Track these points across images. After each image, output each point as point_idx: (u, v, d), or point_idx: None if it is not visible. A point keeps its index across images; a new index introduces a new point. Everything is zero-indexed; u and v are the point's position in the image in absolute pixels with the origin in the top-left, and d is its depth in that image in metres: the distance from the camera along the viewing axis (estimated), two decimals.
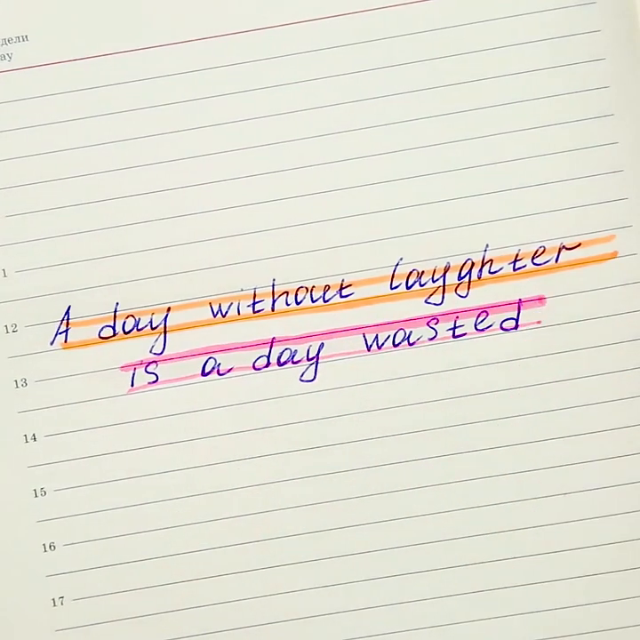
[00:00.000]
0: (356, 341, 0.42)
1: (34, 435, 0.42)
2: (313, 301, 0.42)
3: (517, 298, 0.42)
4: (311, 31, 0.42)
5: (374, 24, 0.42)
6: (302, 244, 0.42)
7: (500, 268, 0.42)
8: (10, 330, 0.42)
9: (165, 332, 0.42)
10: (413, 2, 0.42)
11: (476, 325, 0.41)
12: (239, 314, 0.42)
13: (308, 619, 0.41)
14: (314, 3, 0.42)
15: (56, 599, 0.41)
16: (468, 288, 0.42)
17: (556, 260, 0.41)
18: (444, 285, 0.42)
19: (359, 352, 0.42)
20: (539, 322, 0.41)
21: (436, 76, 0.42)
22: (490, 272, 0.42)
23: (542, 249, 0.41)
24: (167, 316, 0.42)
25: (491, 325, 0.41)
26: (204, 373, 0.42)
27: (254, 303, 0.42)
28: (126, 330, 0.42)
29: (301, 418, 0.41)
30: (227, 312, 0.42)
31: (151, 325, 0.42)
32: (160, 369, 0.42)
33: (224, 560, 0.41)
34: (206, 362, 0.42)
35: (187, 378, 0.42)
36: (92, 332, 0.42)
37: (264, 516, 0.41)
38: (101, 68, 0.42)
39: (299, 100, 0.42)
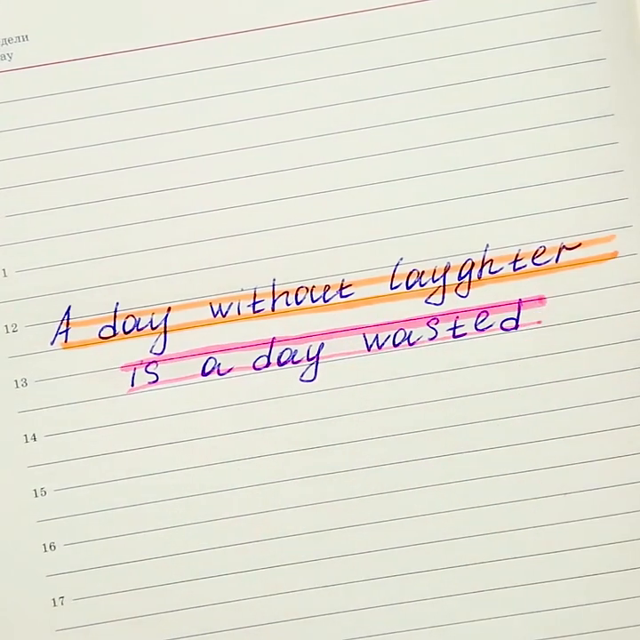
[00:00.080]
0: (357, 341, 0.42)
1: (34, 435, 0.42)
2: (313, 301, 0.42)
3: (517, 298, 0.42)
4: (311, 31, 0.42)
5: (374, 24, 0.42)
6: (302, 244, 0.42)
7: (501, 268, 0.42)
8: (10, 330, 0.42)
9: (165, 332, 0.42)
10: (413, 2, 0.42)
11: (476, 325, 0.41)
12: (239, 314, 0.42)
13: (307, 619, 0.41)
14: (314, 3, 0.42)
15: (56, 599, 0.41)
16: (469, 288, 0.42)
17: (557, 260, 0.41)
18: (444, 285, 0.42)
19: (359, 352, 0.42)
20: (539, 322, 0.41)
21: (435, 75, 0.42)
22: (490, 272, 0.42)
23: (542, 249, 0.41)
24: (167, 315, 0.42)
25: (491, 325, 0.41)
26: (204, 373, 0.42)
27: (254, 303, 0.42)
28: (126, 330, 0.42)
29: (301, 418, 0.41)
30: (227, 312, 0.42)
31: (151, 325, 0.42)
32: (160, 369, 0.42)
33: (224, 560, 0.41)
34: (206, 362, 0.42)
35: (187, 378, 0.42)
36: (92, 332, 0.42)
37: (264, 516, 0.41)
38: (101, 67, 0.42)
39: (299, 100, 0.42)
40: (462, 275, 0.42)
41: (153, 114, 0.42)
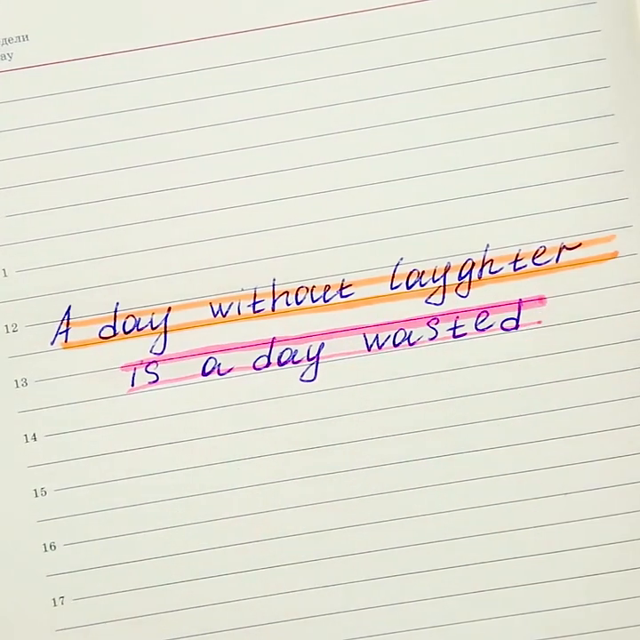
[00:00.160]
0: (357, 341, 0.42)
1: (34, 434, 0.42)
2: (313, 301, 0.42)
3: (518, 298, 0.42)
4: (311, 31, 0.42)
5: (374, 24, 0.42)
6: (302, 244, 0.42)
7: (501, 268, 0.42)
8: (10, 330, 0.42)
9: (166, 332, 0.42)
10: (413, 2, 0.42)
11: (476, 325, 0.41)
12: (239, 314, 0.42)
13: (307, 619, 0.41)
14: (314, 3, 0.42)
15: (56, 599, 0.41)
16: (469, 288, 0.42)
17: (557, 260, 0.41)
18: (444, 285, 0.42)
19: (359, 352, 0.42)
20: (539, 322, 0.41)
21: (435, 75, 0.42)
22: (490, 272, 0.42)
23: (543, 249, 0.41)
24: (167, 315, 0.42)
25: (491, 325, 0.41)
26: (204, 373, 0.42)
27: (254, 303, 0.42)
28: (126, 330, 0.42)
29: (301, 418, 0.41)
30: (227, 312, 0.42)
31: (151, 325, 0.42)
32: (160, 369, 0.42)
33: (224, 560, 0.41)
34: (207, 362, 0.42)
35: (187, 378, 0.42)
36: (92, 332, 0.42)
37: (264, 516, 0.41)
38: (101, 67, 0.42)
39: (299, 100, 0.42)
40: (462, 275, 0.42)
41: (153, 114, 0.42)
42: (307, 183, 0.42)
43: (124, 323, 0.42)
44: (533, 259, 0.41)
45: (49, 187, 0.42)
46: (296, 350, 0.42)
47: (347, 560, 0.41)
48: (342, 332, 0.42)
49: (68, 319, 0.42)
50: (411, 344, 0.42)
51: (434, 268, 0.42)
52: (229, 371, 0.42)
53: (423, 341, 0.42)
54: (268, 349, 0.42)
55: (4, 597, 0.41)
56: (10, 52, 0.42)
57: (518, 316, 0.41)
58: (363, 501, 0.41)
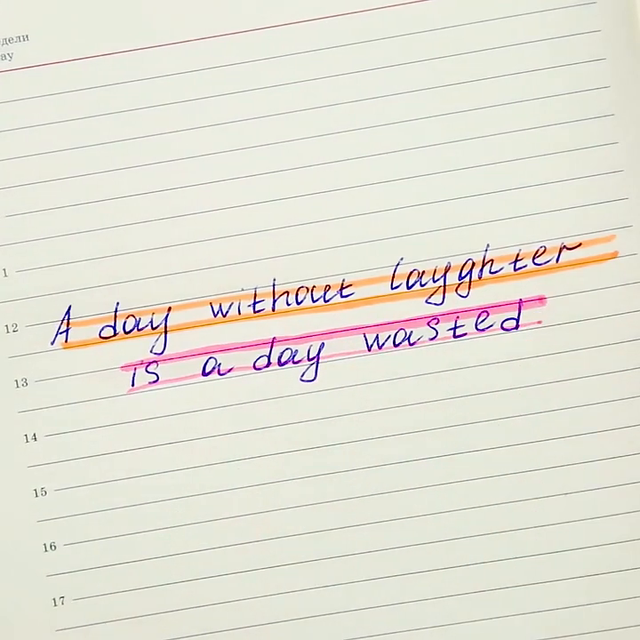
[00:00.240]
0: (357, 341, 0.42)
1: (34, 434, 0.42)
2: (313, 301, 0.42)
3: (518, 298, 0.41)
4: (311, 31, 0.42)
5: (374, 24, 0.42)
6: (302, 244, 0.42)
7: (501, 268, 0.42)
8: (10, 330, 0.42)
9: (166, 332, 0.42)
10: (413, 2, 0.42)
11: (476, 325, 0.41)
12: (240, 314, 0.42)
13: (307, 619, 0.41)
14: (314, 3, 0.42)
15: (56, 599, 0.41)
16: (469, 288, 0.42)
17: (557, 260, 0.41)
18: (444, 285, 0.42)
19: (360, 352, 0.42)
20: (539, 322, 0.41)
21: (435, 75, 0.42)
22: (490, 272, 0.42)
23: (543, 249, 0.41)
24: (168, 315, 0.42)
25: (491, 325, 0.41)
26: (204, 373, 0.42)
27: (255, 303, 0.42)
28: (127, 330, 0.42)
29: (301, 418, 0.41)
30: (227, 312, 0.42)
31: (152, 325, 0.42)
32: (160, 369, 0.42)
33: (224, 560, 0.41)
34: (207, 362, 0.42)
35: (187, 378, 0.42)
36: (92, 332, 0.42)
37: (264, 516, 0.41)
38: (101, 67, 0.42)
39: (298, 100, 0.42)
40: (463, 275, 0.42)
41: (153, 114, 0.42)
42: (307, 183, 0.42)
43: (125, 323, 0.42)
44: (533, 259, 0.41)
45: (49, 187, 0.42)
46: (296, 350, 0.42)
47: (347, 560, 0.41)
48: (342, 332, 0.42)
49: (69, 319, 0.42)
50: (411, 344, 0.41)
51: (434, 268, 0.42)
52: (229, 371, 0.42)
53: (423, 341, 0.41)
54: (269, 349, 0.42)
55: (4, 597, 0.41)
56: (10, 52, 0.42)
57: (518, 316, 0.41)
58: (363, 501, 0.41)
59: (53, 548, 0.41)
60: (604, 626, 0.40)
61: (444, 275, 0.42)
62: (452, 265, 0.42)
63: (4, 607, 0.41)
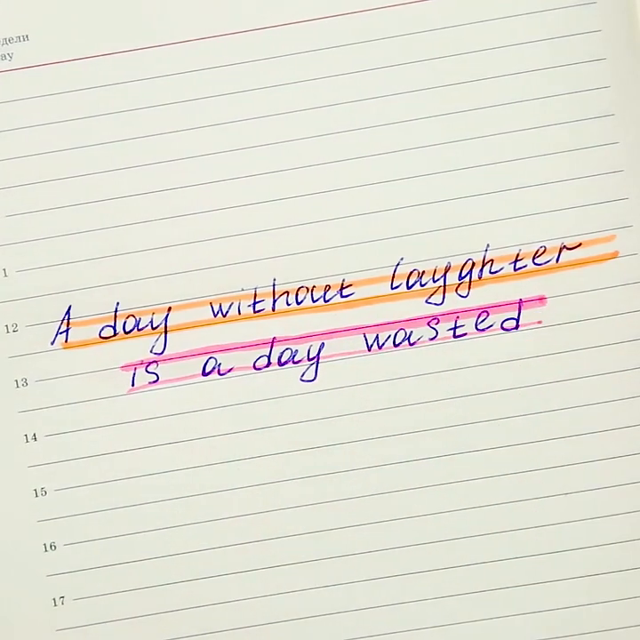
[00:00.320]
0: (357, 341, 0.42)
1: (34, 434, 0.42)
2: (313, 301, 0.42)
3: (518, 298, 0.41)
4: (311, 31, 0.42)
5: (374, 24, 0.42)
6: (302, 244, 0.42)
7: (501, 268, 0.42)
8: (10, 330, 0.42)
9: (166, 332, 0.42)
10: (413, 2, 0.42)
11: (476, 325, 0.41)
12: (240, 314, 0.42)
13: (307, 619, 0.41)
14: (314, 3, 0.42)
15: (56, 599, 0.41)
16: (469, 288, 0.42)
17: (557, 260, 0.41)
18: (444, 285, 0.42)
19: (360, 352, 0.42)
20: (539, 322, 0.41)
21: (435, 75, 0.42)
22: (490, 272, 0.42)
23: (543, 249, 0.41)
24: (168, 315, 0.42)
25: (491, 325, 0.41)
26: (204, 373, 0.42)
27: (255, 303, 0.42)
28: (127, 330, 0.42)
29: (301, 418, 0.41)
30: (227, 312, 0.42)
31: (152, 325, 0.42)
32: (161, 369, 0.42)
33: (224, 560, 0.41)
34: (207, 362, 0.42)
35: (187, 378, 0.42)
36: (92, 332, 0.42)
37: (264, 516, 0.41)
38: (101, 67, 0.42)
39: (298, 100, 0.42)
40: (463, 275, 0.42)
41: (153, 114, 0.42)
42: (307, 183, 0.42)
43: (125, 323, 0.42)
44: (534, 259, 0.41)
45: (49, 187, 0.42)
46: (296, 350, 0.42)
47: (347, 560, 0.41)
48: (342, 332, 0.42)
49: (69, 319, 0.42)
50: (411, 344, 0.41)
51: (434, 268, 0.42)
52: (230, 371, 0.42)
53: (423, 341, 0.41)
54: (269, 349, 0.42)
55: (4, 597, 0.41)
56: (10, 52, 0.42)
57: (518, 316, 0.41)
58: (363, 501, 0.41)
59: (53, 548, 0.41)
60: (604, 626, 0.40)
61: (444, 275, 0.42)
62: (452, 265, 0.42)
63: (4, 607, 0.41)
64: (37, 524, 0.41)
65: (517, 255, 0.42)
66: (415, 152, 0.42)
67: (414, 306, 0.42)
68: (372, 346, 0.42)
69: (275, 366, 0.42)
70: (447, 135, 0.42)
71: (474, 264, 0.42)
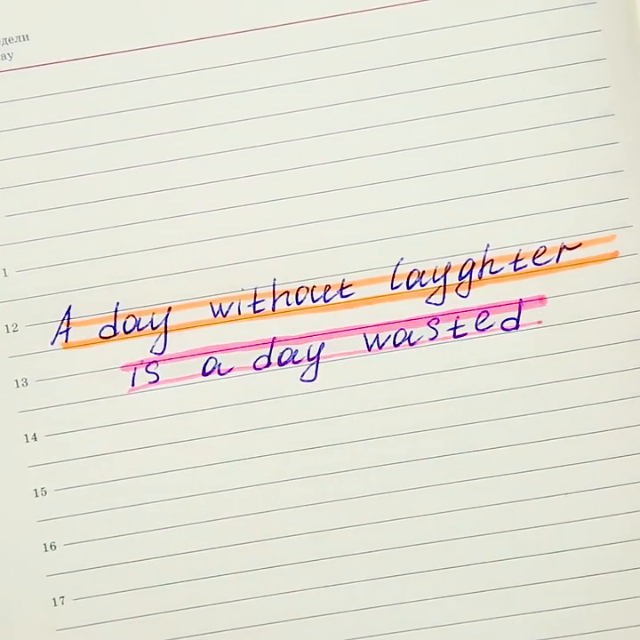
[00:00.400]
0: (357, 341, 0.42)
1: (34, 434, 0.42)
2: (313, 301, 0.42)
3: (518, 298, 0.41)
4: (311, 31, 0.42)
5: (374, 24, 0.42)
6: (302, 244, 0.42)
7: (501, 268, 0.42)
8: (10, 329, 0.42)
9: (166, 332, 0.42)
10: (413, 2, 0.42)
11: (476, 325, 0.41)
12: (240, 314, 0.42)
13: (307, 619, 0.41)
14: (314, 3, 0.42)
15: (57, 599, 0.41)
16: (469, 288, 0.42)
17: (557, 260, 0.41)
18: (444, 285, 0.42)
19: (360, 352, 0.42)
20: (539, 322, 0.41)
21: (435, 76, 0.42)
22: (490, 272, 0.42)
23: (543, 249, 0.41)
24: (168, 315, 0.42)
25: (491, 325, 0.41)
26: (204, 373, 0.42)
27: (255, 303, 0.42)
28: (127, 330, 0.42)
29: (301, 418, 0.41)
30: (227, 312, 0.42)
31: (152, 325, 0.42)
32: (161, 369, 0.42)
33: (224, 560, 0.41)
34: (207, 362, 0.42)
35: (187, 378, 0.42)
36: (92, 332, 0.42)
37: (264, 516, 0.41)
38: (101, 67, 0.42)
39: (298, 100, 0.42)
40: (463, 275, 0.42)
41: (153, 114, 0.42)
42: (307, 183, 0.42)
43: (125, 323, 0.42)
44: (534, 259, 0.41)
45: (49, 187, 0.42)
46: (296, 350, 0.42)
47: (347, 560, 0.41)
48: (342, 332, 0.42)
49: (69, 319, 0.42)
50: (411, 344, 0.41)
51: (434, 268, 0.42)
52: (230, 371, 0.42)
53: (423, 341, 0.41)
54: (269, 349, 0.42)
55: (4, 597, 0.41)
56: (10, 52, 0.42)
57: (518, 316, 0.41)
58: (363, 501, 0.41)
59: (53, 547, 0.41)
60: (604, 626, 0.40)
61: (444, 275, 0.42)
62: (452, 265, 0.42)
63: (4, 607, 0.41)
64: (37, 524, 0.41)
65: (517, 255, 0.42)
66: (415, 152, 0.42)
67: (414, 306, 0.42)
68: (372, 346, 0.42)
69: (275, 366, 0.42)
70: (447, 135, 0.42)
71: (474, 264, 0.42)
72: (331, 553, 0.41)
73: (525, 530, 0.41)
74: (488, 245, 0.42)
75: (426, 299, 0.42)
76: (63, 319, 0.42)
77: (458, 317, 0.42)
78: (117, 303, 0.42)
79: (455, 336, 0.41)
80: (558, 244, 0.41)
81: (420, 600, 0.41)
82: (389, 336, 0.42)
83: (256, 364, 0.42)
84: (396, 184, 0.42)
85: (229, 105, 0.42)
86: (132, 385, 0.42)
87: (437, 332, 0.41)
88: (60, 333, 0.42)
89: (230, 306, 0.42)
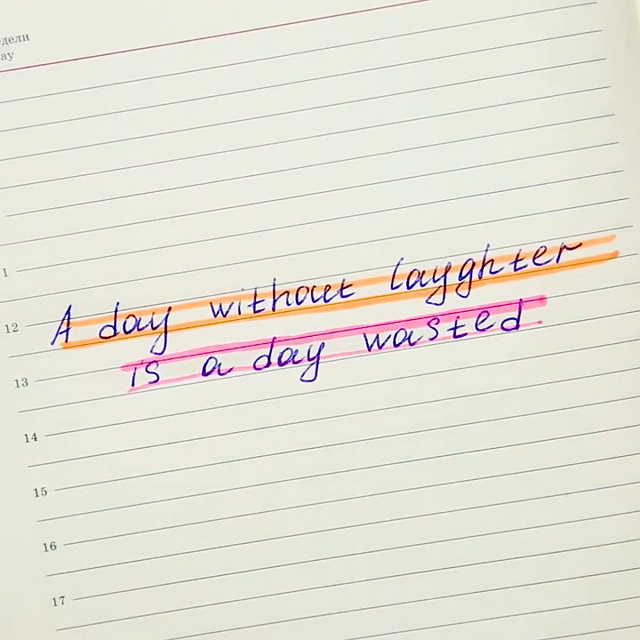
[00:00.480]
0: (357, 341, 0.42)
1: (34, 434, 0.42)
2: (314, 301, 0.42)
3: (518, 298, 0.41)
4: (311, 31, 0.42)
5: (374, 24, 0.42)
6: (303, 244, 0.42)
7: (501, 268, 0.42)
8: (10, 329, 0.42)
9: (166, 332, 0.42)
10: (413, 2, 0.42)
11: (476, 325, 0.41)
12: (240, 314, 0.42)
13: (307, 619, 0.41)
14: (314, 3, 0.42)
15: (57, 599, 0.41)
16: (469, 288, 0.42)
17: (557, 260, 0.41)
18: (444, 285, 0.42)
19: (360, 352, 0.42)
20: (540, 322, 0.41)
21: (435, 76, 0.42)
22: (491, 272, 0.42)
23: (543, 249, 0.41)
24: (168, 315, 0.42)
25: (491, 325, 0.41)
26: (204, 373, 0.42)
27: (255, 303, 0.42)
28: (127, 329, 0.42)
29: (302, 418, 0.41)
30: (227, 312, 0.42)
31: (152, 325, 0.42)
32: (161, 369, 0.42)
33: (224, 560, 0.41)
34: (207, 362, 0.42)
35: (187, 378, 0.42)
36: (92, 332, 0.42)
37: (264, 516, 0.41)
38: (101, 67, 0.42)
39: (298, 100, 0.42)
40: (463, 275, 0.42)
41: (153, 114, 0.42)
42: (307, 183, 0.42)
43: (125, 322, 0.42)
44: (534, 259, 0.41)
45: (49, 187, 0.42)
46: (296, 350, 0.42)
47: (347, 560, 0.41)
48: (343, 332, 0.42)
49: (69, 319, 0.42)
50: (411, 344, 0.41)
51: (434, 268, 0.42)
52: (230, 371, 0.42)
53: (424, 341, 0.41)
54: (269, 349, 0.42)
55: (4, 597, 0.41)
56: (10, 52, 0.42)
57: (519, 316, 0.41)
58: (363, 501, 0.41)
59: (53, 547, 0.41)
60: (605, 626, 0.40)
61: (445, 275, 0.42)
62: (452, 265, 0.42)
63: (4, 607, 0.41)
64: (37, 524, 0.41)
65: (518, 255, 0.42)
66: (415, 152, 0.42)
67: (414, 306, 0.42)
68: (372, 346, 0.42)
69: (275, 366, 0.42)
70: (447, 135, 0.42)
71: (474, 264, 0.42)
72: (331, 553, 0.41)
73: (526, 530, 0.41)
74: (488, 245, 0.42)
75: (426, 299, 0.42)
76: (63, 319, 0.42)
77: (458, 317, 0.42)
78: (117, 303, 0.42)
79: (455, 336, 0.41)
80: (558, 243, 0.41)
81: (420, 600, 0.41)
82: (389, 336, 0.42)
83: (256, 364, 0.42)
84: (396, 184, 0.42)
85: (229, 105, 0.42)
86: (132, 385, 0.42)
87: (437, 332, 0.41)
88: (60, 333, 0.42)
89: (230, 306, 0.42)
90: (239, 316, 0.42)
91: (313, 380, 0.41)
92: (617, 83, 0.42)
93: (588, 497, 0.41)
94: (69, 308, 0.42)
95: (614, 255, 0.41)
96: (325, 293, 0.42)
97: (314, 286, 0.42)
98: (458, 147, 0.42)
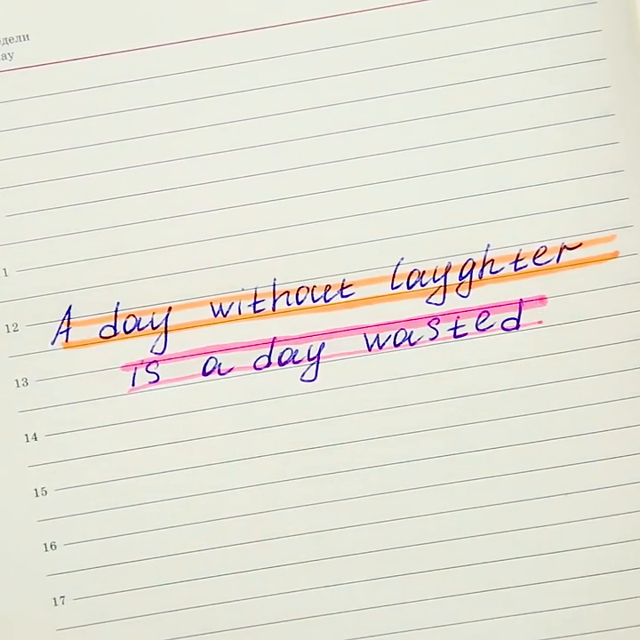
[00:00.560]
0: (357, 341, 0.42)
1: (34, 434, 0.42)
2: (314, 301, 0.42)
3: (518, 298, 0.41)
4: (311, 31, 0.42)
5: (374, 24, 0.42)
6: (303, 244, 0.42)
7: (502, 268, 0.42)
8: (10, 329, 0.42)
9: (166, 332, 0.42)
10: (413, 2, 0.42)
11: (477, 325, 0.41)
12: (240, 313, 0.42)
13: (308, 619, 0.41)
14: (314, 3, 0.42)
15: (57, 598, 0.41)
16: (470, 288, 0.42)
17: (558, 260, 0.41)
18: (445, 285, 0.42)
19: (360, 352, 0.42)
20: (540, 322, 0.41)
21: (435, 76, 0.42)
22: (491, 272, 0.42)
23: (543, 249, 0.41)
24: (168, 315, 0.42)
25: (492, 325, 0.41)
26: (204, 373, 0.42)
27: (255, 303, 0.42)
28: (127, 329, 0.42)
29: (302, 418, 0.41)
30: (228, 312, 0.42)
31: (152, 325, 0.42)
32: (161, 368, 0.42)
33: (224, 560, 0.41)
34: (207, 361, 0.42)
35: (187, 377, 0.42)
36: (92, 332, 0.42)
37: (264, 516, 0.41)
38: (101, 67, 0.42)
39: (298, 100, 0.42)
40: (463, 275, 0.42)
41: (152, 114, 0.42)
42: (307, 183, 0.42)
43: (125, 322, 0.42)
44: (534, 259, 0.41)
45: (48, 187, 0.42)
46: (297, 350, 0.42)
47: (347, 560, 0.41)
48: (343, 332, 0.42)
49: (69, 319, 0.42)
50: (411, 344, 0.41)
51: (434, 267, 0.42)
52: (230, 370, 0.42)
53: (424, 341, 0.41)
54: (269, 349, 0.42)
55: (4, 597, 0.41)
56: (10, 52, 0.42)
57: (519, 316, 0.41)
58: (363, 501, 0.41)
59: (53, 547, 0.41)
60: (605, 626, 0.40)
61: (445, 275, 0.42)
62: (452, 265, 0.42)
63: (4, 607, 0.41)
64: (37, 524, 0.41)
65: (518, 255, 0.42)
66: (415, 152, 0.42)
67: (415, 306, 0.42)
68: (372, 346, 0.42)
69: (275, 366, 0.42)
70: (447, 135, 0.42)
71: (474, 264, 0.42)
72: (331, 553, 0.41)
73: (526, 530, 0.41)
74: (488, 245, 0.42)
75: (426, 299, 0.42)
76: (63, 319, 0.42)
77: (458, 317, 0.42)
78: (117, 303, 0.42)
79: (455, 336, 0.41)
80: (558, 243, 0.41)
81: (420, 600, 0.41)
82: (390, 336, 0.42)
83: (256, 364, 0.42)
84: (396, 184, 0.42)
85: (229, 105, 0.42)
86: (133, 385, 0.42)
87: (438, 332, 0.41)
88: (61, 333, 0.42)
89: (230, 306, 0.42)
90: (239, 316, 0.42)
91: (313, 380, 0.41)
92: (617, 83, 0.42)
93: (588, 497, 0.41)
94: (69, 307, 0.42)
95: (614, 255, 0.41)
96: (325, 293, 0.42)
97: (314, 286, 0.42)
98: (458, 147, 0.42)
